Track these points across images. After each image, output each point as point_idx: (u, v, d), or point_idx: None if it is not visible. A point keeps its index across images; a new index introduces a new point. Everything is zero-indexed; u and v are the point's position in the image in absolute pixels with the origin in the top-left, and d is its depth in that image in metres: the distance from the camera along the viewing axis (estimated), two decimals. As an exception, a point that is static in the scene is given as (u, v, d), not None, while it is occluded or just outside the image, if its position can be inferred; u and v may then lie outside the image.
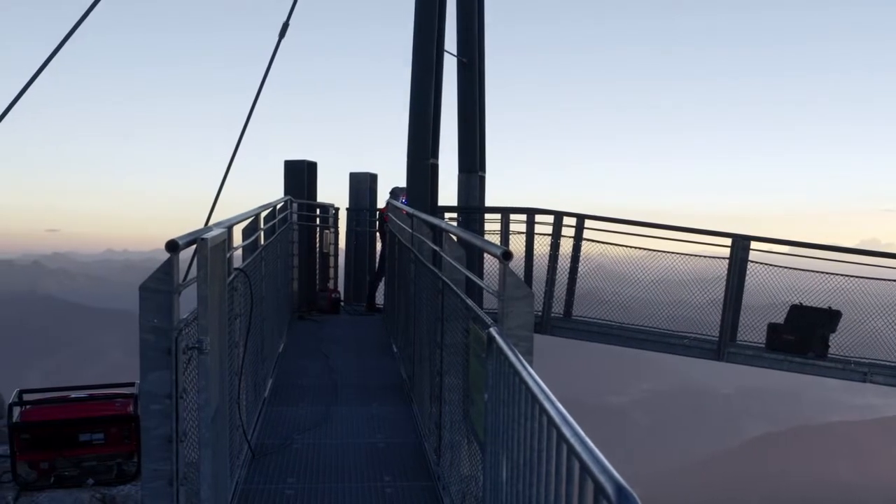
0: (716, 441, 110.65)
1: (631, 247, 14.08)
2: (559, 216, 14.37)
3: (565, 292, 14.56)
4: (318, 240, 16.90)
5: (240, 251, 7.13)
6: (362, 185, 17.74)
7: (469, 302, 5.43)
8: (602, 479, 2.13)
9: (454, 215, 15.75)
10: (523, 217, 14.60)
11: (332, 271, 17.55)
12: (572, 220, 14.34)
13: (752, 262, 13.54)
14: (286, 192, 15.67)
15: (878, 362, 13.15)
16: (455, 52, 15.57)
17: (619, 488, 2.03)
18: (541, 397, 2.96)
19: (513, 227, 14.60)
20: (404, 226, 10.75)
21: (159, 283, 4.20)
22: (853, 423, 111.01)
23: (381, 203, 17.13)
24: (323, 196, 17.23)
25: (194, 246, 4.54)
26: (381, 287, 16.14)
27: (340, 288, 17.70)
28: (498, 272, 4.36)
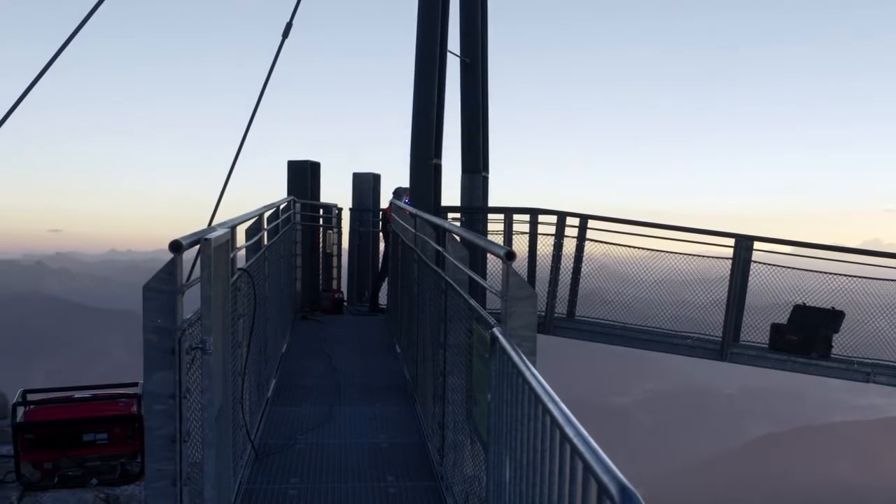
0: (719, 441, 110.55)
1: (634, 247, 14.06)
2: (562, 216, 14.36)
3: (568, 292, 14.55)
4: (321, 240, 16.89)
5: (243, 251, 7.14)
6: (365, 185, 17.75)
7: (472, 302, 5.44)
8: (605, 479, 2.13)
9: (457, 215, 15.74)
10: (526, 217, 14.58)
11: (335, 271, 17.56)
12: (575, 221, 14.33)
13: (755, 262, 13.52)
14: (289, 193, 15.68)
15: (881, 362, 13.13)
16: (458, 53, 15.57)
17: (622, 489, 2.03)
18: (544, 397, 2.96)
19: (516, 227, 14.59)
20: (407, 226, 10.75)
21: (163, 283, 4.21)
22: (856, 424, 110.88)
23: (385, 203, 17.14)
24: (326, 196, 17.25)
25: (198, 246, 4.54)
26: (385, 287, 16.14)
27: (343, 288, 17.70)
28: (501, 272, 4.36)
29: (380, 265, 17.08)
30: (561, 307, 14.57)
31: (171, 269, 4.21)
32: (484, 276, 11.24)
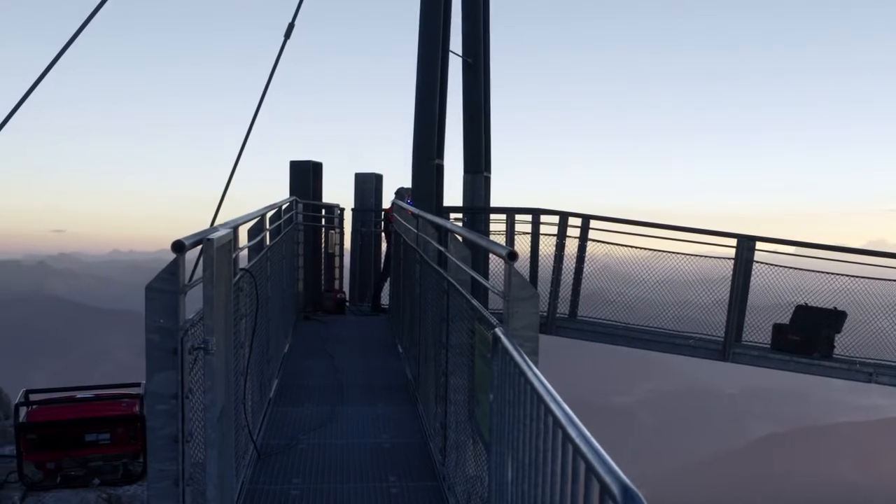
0: (721, 441, 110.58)
1: (636, 247, 14.05)
2: (564, 216, 14.35)
3: (570, 293, 14.54)
4: (323, 240, 16.89)
5: (245, 251, 7.14)
6: (368, 185, 17.75)
7: (474, 302, 5.44)
8: (608, 479, 2.13)
9: (459, 216, 15.74)
10: (528, 217, 14.58)
11: (337, 272, 17.56)
12: (577, 221, 14.32)
13: (757, 262, 13.51)
14: (292, 193, 15.68)
15: (883, 363, 13.12)
16: (460, 53, 15.57)
17: (624, 489, 2.03)
18: (546, 398, 2.96)
19: (518, 227, 14.58)
20: (409, 226, 10.75)
21: (165, 283, 4.21)
22: (858, 424, 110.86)
23: (387, 203, 17.14)
24: (328, 197, 17.26)
25: (200, 246, 4.55)
26: (387, 287, 16.14)
27: (346, 288, 17.71)
28: (503, 273, 4.37)
29: (382, 265, 17.09)
30: (563, 307, 14.56)
31: (174, 269, 4.22)
32: (486, 276, 11.23)
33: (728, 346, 13.57)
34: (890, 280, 13.01)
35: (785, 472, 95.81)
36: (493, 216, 15.46)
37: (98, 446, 7.89)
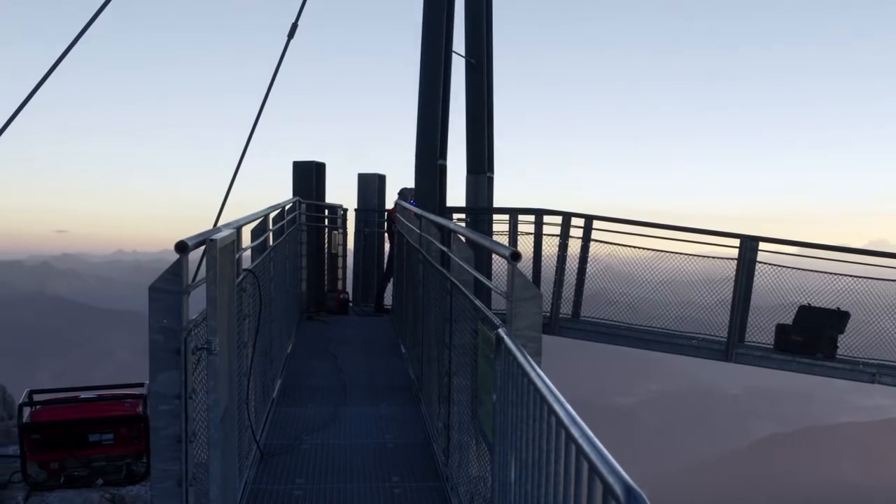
0: (724, 442, 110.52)
1: (639, 248, 14.07)
2: (567, 217, 14.36)
3: (573, 293, 14.55)
4: (326, 241, 16.91)
5: (248, 252, 7.14)
6: (371, 185, 17.76)
7: (477, 303, 5.44)
8: (611, 479, 2.13)
9: (462, 216, 15.74)
10: (531, 218, 14.59)
11: (340, 272, 17.57)
12: (580, 221, 14.34)
13: (760, 262, 13.51)
14: (295, 193, 15.69)
15: (886, 363, 13.10)
16: (463, 53, 15.57)
17: (627, 489, 2.03)
18: (549, 398, 2.96)
19: (521, 227, 14.60)
20: (413, 226, 10.75)
21: (168, 283, 4.21)
22: (861, 424, 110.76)
23: (390, 204, 17.14)
24: (331, 197, 17.27)
25: (203, 247, 4.55)
26: (390, 288, 16.14)
27: (349, 289, 17.71)
28: (506, 273, 4.37)
29: (385, 266, 17.09)
30: (566, 308, 14.57)
31: (177, 269, 4.22)
32: (489, 276, 11.23)
33: (731, 346, 13.57)
34: (893, 280, 13.00)
35: (788, 472, 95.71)
36: (496, 216, 15.46)
37: (101, 446, 7.90)
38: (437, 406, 7.72)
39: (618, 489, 2.07)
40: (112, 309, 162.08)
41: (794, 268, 13.39)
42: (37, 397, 8.11)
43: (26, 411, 7.87)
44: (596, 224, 14.30)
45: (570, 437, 2.61)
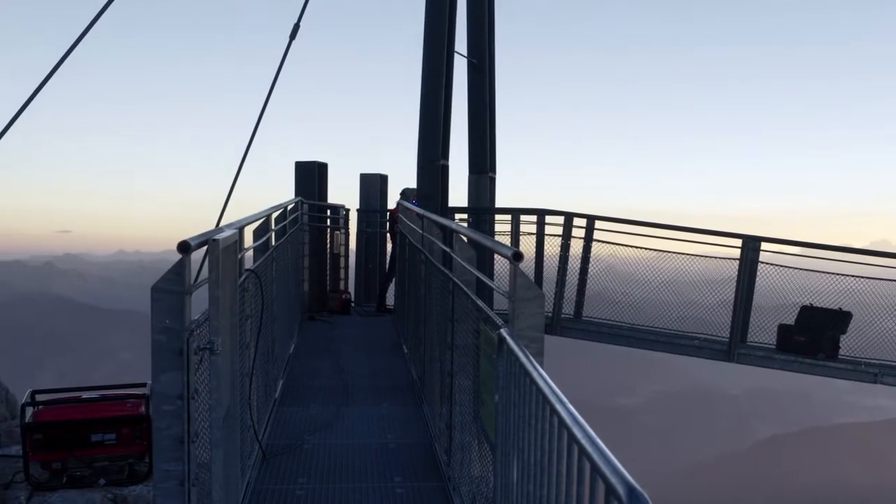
0: (725, 442, 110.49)
1: (641, 248, 14.07)
2: (569, 217, 14.36)
3: (575, 293, 14.56)
4: (328, 241, 16.92)
5: (251, 252, 7.15)
6: (373, 186, 17.77)
7: (479, 303, 5.44)
8: (613, 480, 2.14)
9: (464, 216, 15.74)
10: (533, 218, 14.59)
11: (342, 272, 17.58)
12: (582, 221, 14.34)
13: (762, 262, 13.51)
14: (297, 193, 15.69)
15: (888, 363, 13.09)
16: (465, 54, 15.57)
17: (630, 489, 2.04)
18: (552, 398, 2.97)
19: (523, 227, 14.59)
20: (415, 227, 10.76)
21: (171, 284, 4.22)
22: (863, 425, 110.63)
23: (392, 204, 17.15)
24: (333, 197, 17.28)
25: (206, 247, 4.55)
26: (392, 288, 16.15)
27: (351, 289, 17.72)
28: (508, 273, 4.37)
29: (387, 266, 17.10)
30: (568, 308, 14.58)
31: (180, 269, 4.22)
32: (491, 276, 11.23)
33: (733, 346, 13.57)
34: (895, 280, 13.00)
35: (789, 473, 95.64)
36: (498, 217, 15.46)
37: (104, 446, 7.91)
38: (439, 406, 7.73)
39: (620, 489, 2.07)
40: (114, 309, 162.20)
41: (796, 268, 13.39)
42: (39, 397, 8.12)
43: (28, 411, 7.88)
44: (598, 224, 14.30)
45: (572, 437, 2.62)
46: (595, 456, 2.33)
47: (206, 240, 4.53)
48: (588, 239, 14.29)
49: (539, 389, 3.18)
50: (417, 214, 10.50)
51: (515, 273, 4.27)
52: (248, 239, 6.95)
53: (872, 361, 13.13)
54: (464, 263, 6.25)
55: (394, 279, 15.83)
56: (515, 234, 14.62)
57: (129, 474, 8.02)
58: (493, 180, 16.10)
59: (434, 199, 13.95)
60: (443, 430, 7.30)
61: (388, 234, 17.15)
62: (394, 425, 8.60)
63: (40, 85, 10.23)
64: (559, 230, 14.37)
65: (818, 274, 13.22)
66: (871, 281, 13.07)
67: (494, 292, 5.21)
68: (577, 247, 14.34)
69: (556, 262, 14.38)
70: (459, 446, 6.34)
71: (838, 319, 13.12)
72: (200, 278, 4.72)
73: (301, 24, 13.79)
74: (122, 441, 7.93)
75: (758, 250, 13.48)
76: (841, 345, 13.24)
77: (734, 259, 13.50)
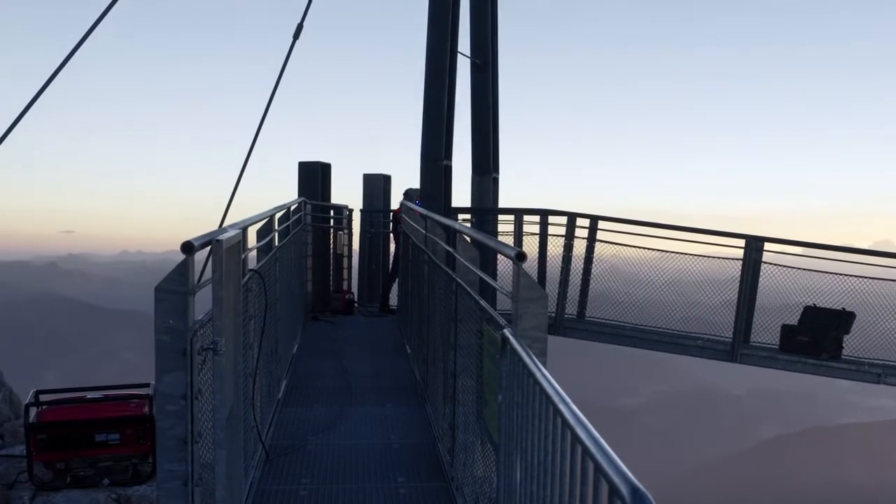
0: (728, 443, 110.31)
1: (644, 248, 14.06)
2: (572, 217, 14.36)
3: (578, 293, 14.55)
4: (332, 241, 16.92)
5: (254, 252, 7.15)
6: (376, 186, 17.77)
7: (483, 303, 5.44)
8: (617, 480, 2.14)
9: (468, 216, 15.75)
10: (537, 218, 14.60)
11: (345, 272, 17.58)
12: (585, 222, 14.34)
13: (765, 263, 13.50)
14: (300, 194, 15.70)
15: (892, 364, 13.08)
16: (468, 54, 15.57)
17: (634, 490, 2.04)
18: (555, 398, 2.97)
19: (526, 228, 14.60)
20: (418, 227, 10.76)
21: (174, 284, 4.22)
22: (867, 425, 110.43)
23: (395, 204, 17.16)
24: (337, 197, 17.28)
25: (209, 247, 4.56)
26: (395, 288, 16.15)
27: (354, 289, 17.73)
28: (511, 273, 4.37)
29: (390, 266, 17.10)
30: (571, 308, 14.58)
31: (183, 270, 4.23)
32: (494, 276, 11.23)
33: (736, 346, 13.56)
34: (898, 281, 13.00)
35: (792, 473, 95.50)
36: (501, 217, 15.48)
37: (108, 446, 7.93)
38: (442, 406, 7.72)
39: (624, 490, 2.07)
40: (118, 309, 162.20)
41: (799, 268, 13.37)
42: (43, 397, 8.14)
43: (32, 411, 7.90)
44: (601, 224, 14.30)
45: (575, 437, 2.62)
46: (598, 456, 2.33)
47: (210, 240, 4.54)
48: (591, 239, 14.29)
49: (542, 390, 3.18)
50: (420, 215, 10.50)
51: (518, 273, 4.27)
52: (252, 239, 6.95)
53: (876, 362, 13.12)
54: (467, 264, 6.25)
55: (397, 279, 15.83)
56: (519, 234, 14.63)
57: (133, 474, 8.04)
58: (496, 180, 16.11)
59: (437, 199, 13.96)
60: (446, 430, 7.30)
61: (392, 235, 17.15)
62: (397, 426, 8.60)
63: (44, 85, 10.25)
64: (562, 230, 14.37)
65: (821, 274, 13.20)
66: (875, 281, 13.07)
67: (498, 293, 5.21)
68: (580, 247, 14.34)
69: (560, 263, 14.38)
70: (463, 447, 6.35)
71: (842, 320, 13.11)
72: (204, 279, 4.72)
73: (304, 24, 13.80)
74: (126, 441, 7.95)
75: (761, 250, 13.47)
76: (844, 345, 13.23)
77: (737, 259, 13.50)
